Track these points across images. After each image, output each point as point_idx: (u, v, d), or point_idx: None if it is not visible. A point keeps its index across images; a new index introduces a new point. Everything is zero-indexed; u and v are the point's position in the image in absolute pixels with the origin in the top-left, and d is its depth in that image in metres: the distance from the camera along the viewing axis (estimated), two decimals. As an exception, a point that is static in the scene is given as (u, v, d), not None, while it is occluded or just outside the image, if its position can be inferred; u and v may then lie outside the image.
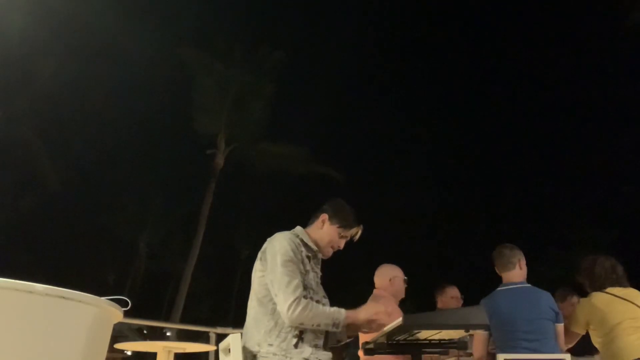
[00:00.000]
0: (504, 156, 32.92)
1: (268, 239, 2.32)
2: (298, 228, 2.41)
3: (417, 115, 32.46)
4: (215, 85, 18.11)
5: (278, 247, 2.21)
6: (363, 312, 2.23)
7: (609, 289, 3.16)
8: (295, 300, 2.08)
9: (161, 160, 24.16)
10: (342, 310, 2.17)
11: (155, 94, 21.44)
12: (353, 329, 2.32)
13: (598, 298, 3.16)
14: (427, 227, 27.60)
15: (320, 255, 2.38)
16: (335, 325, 2.13)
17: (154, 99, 21.92)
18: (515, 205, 29.39)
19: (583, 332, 3.24)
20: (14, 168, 17.31)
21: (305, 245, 2.31)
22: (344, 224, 2.37)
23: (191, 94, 18.45)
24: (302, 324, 2.11)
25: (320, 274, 2.37)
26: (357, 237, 2.43)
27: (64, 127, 19.12)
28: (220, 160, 18.13)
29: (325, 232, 2.36)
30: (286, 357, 2.08)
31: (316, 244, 2.35)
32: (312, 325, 2.11)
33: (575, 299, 4.45)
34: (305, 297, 2.13)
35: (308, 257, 2.29)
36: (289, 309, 2.08)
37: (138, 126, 21.98)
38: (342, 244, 2.40)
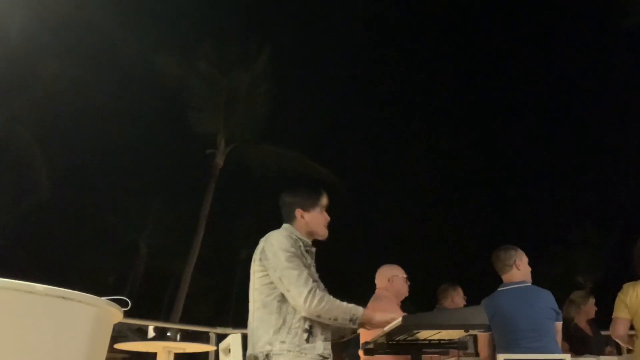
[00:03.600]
0: (503, 156, 32.93)
1: (263, 239, 2.32)
2: (287, 225, 2.41)
3: (416, 115, 32.49)
4: (214, 85, 18.10)
5: (277, 244, 2.22)
6: (379, 315, 2.23)
7: None
8: (310, 292, 2.09)
9: (161, 160, 24.18)
10: (360, 308, 2.18)
11: (155, 94, 21.44)
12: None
13: (637, 287, 3.18)
14: (426, 228, 27.61)
15: (314, 250, 2.40)
16: (352, 321, 2.14)
17: (154, 99, 21.93)
18: (516, 205, 29.41)
19: (627, 317, 3.24)
20: (14, 168, 17.32)
21: (300, 239, 2.32)
22: (317, 203, 2.42)
23: (190, 94, 18.43)
24: (319, 316, 2.10)
25: (315, 267, 2.38)
26: (327, 202, 2.49)
27: (64, 127, 19.13)
28: (220, 160, 18.10)
29: (310, 221, 2.39)
30: (301, 352, 2.09)
31: (311, 235, 2.39)
32: (329, 318, 2.11)
33: (593, 299, 4.50)
34: (318, 289, 2.14)
35: (307, 250, 2.31)
36: (305, 301, 2.08)
37: (137, 126, 21.97)
38: (327, 216, 2.46)
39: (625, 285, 3.30)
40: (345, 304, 2.16)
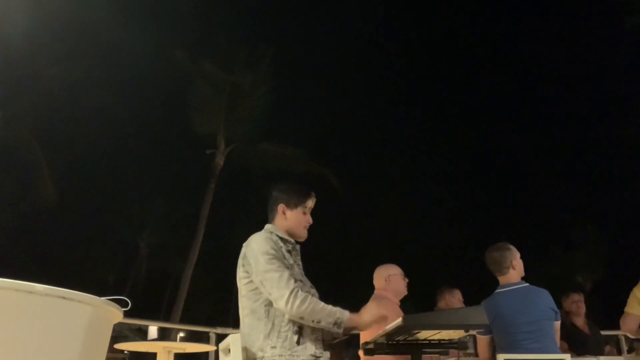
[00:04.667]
0: (504, 157, 32.90)
1: (244, 244, 2.31)
2: (268, 225, 2.40)
3: (416, 115, 32.48)
4: (215, 85, 18.09)
5: (257, 248, 2.20)
6: (366, 316, 2.18)
7: None
8: (291, 293, 2.07)
9: (161, 160, 24.22)
10: (346, 312, 2.14)
11: (155, 94, 21.46)
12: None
13: None
14: (426, 227, 27.59)
15: (298, 247, 2.38)
16: (337, 325, 2.10)
17: (154, 100, 21.94)
18: (516, 206, 29.37)
19: (638, 313, 3.23)
20: (14, 168, 17.31)
21: (282, 239, 2.30)
22: (301, 202, 2.39)
23: (190, 94, 18.43)
24: (302, 318, 2.08)
25: (301, 264, 2.36)
26: (313, 205, 2.45)
27: (64, 127, 19.13)
28: (220, 160, 18.10)
29: (290, 219, 2.36)
30: (292, 356, 2.07)
31: (290, 234, 2.36)
32: (313, 321, 2.09)
33: (576, 296, 4.48)
34: (301, 289, 2.12)
35: (288, 251, 2.28)
36: (287, 302, 2.06)
37: (138, 127, 21.98)
38: (309, 219, 2.42)
39: None
40: (330, 307, 2.12)
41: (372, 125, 31.50)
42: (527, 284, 3.22)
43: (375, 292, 3.52)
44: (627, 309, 3.31)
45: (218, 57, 18.10)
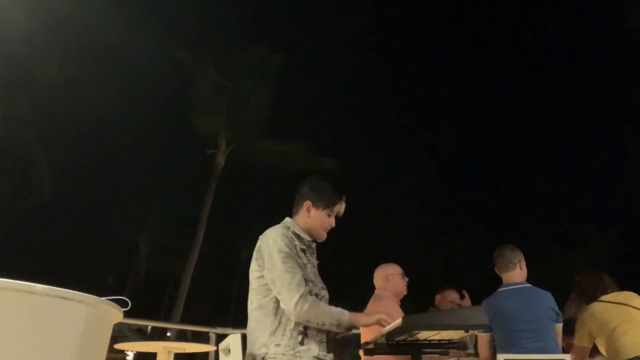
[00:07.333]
0: (505, 156, 32.92)
1: (260, 236, 2.28)
2: (288, 219, 2.37)
3: (418, 112, 32.51)
4: (215, 85, 18.09)
5: (273, 244, 2.18)
6: (364, 319, 2.22)
7: (602, 297, 3.20)
8: (301, 297, 2.07)
9: (161, 160, 24.24)
10: (346, 312, 2.16)
11: (156, 94, 21.48)
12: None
13: (594, 307, 3.20)
14: (427, 226, 27.60)
15: (314, 246, 2.36)
16: (338, 326, 2.14)
17: (154, 100, 21.96)
18: (516, 205, 29.37)
19: (589, 345, 3.20)
20: (14, 168, 17.33)
21: (299, 237, 2.28)
22: (329, 204, 2.33)
23: (191, 94, 18.44)
24: (308, 321, 2.10)
25: (317, 262, 2.35)
26: (342, 211, 2.39)
27: (64, 127, 19.15)
28: (220, 160, 18.10)
29: (313, 218, 2.32)
30: (295, 356, 2.08)
31: (308, 233, 2.32)
32: (317, 323, 2.12)
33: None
34: (310, 292, 2.13)
35: (303, 250, 2.26)
36: (295, 306, 2.06)
37: (138, 127, 21.99)
38: (332, 222, 2.37)
39: (584, 313, 3.22)
40: (333, 308, 2.15)
41: (375, 119, 31.53)
42: (530, 285, 3.24)
43: (375, 291, 3.52)
44: (577, 342, 3.22)
45: (220, 58, 18.10)
